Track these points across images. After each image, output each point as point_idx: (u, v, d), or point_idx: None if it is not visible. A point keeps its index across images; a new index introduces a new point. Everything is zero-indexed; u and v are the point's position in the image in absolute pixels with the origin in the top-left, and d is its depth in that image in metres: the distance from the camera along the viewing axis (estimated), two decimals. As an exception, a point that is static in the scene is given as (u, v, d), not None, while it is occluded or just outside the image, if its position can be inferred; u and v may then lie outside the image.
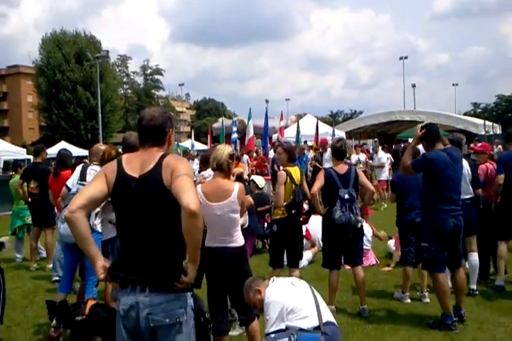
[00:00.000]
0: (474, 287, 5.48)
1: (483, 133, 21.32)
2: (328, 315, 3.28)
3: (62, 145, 23.90)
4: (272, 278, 3.58)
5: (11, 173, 12.17)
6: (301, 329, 3.12)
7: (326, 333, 3.12)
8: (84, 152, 21.46)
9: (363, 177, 5.18)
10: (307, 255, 6.86)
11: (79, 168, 4.89)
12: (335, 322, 3.32)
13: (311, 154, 15.20)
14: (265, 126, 16.51)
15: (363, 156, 14.54)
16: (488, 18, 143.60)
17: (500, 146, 15.18)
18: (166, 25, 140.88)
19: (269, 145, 16.17)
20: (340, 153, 5.21)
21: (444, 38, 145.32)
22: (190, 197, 2.16)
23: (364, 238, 5.46)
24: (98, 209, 4.33)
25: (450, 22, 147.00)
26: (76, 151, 22.13)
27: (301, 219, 5.11)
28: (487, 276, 5.98)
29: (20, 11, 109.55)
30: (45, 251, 7.66)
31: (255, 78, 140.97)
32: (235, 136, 17.39)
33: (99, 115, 31.12)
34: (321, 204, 5.13)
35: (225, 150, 3.86)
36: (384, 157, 13.78)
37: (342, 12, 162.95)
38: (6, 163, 21.59)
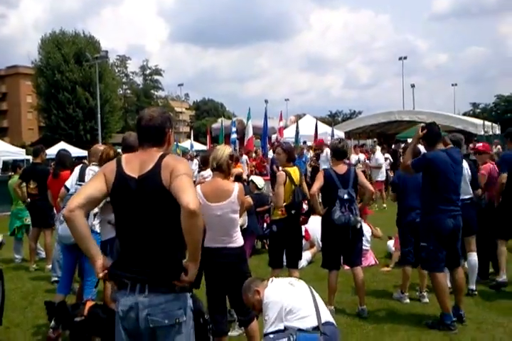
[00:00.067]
0: (473, 287, 5.48)
1: (482, 133, 21.34)
2: (327, 315, 3.27)
3: (62, 145, 23.89)
4: (270, 279, 3.58)
5: (10, 174, 12.18)
6: (299, 330, 3.11)
7: (325, 333, 3.12)
8: (84, 152, 21.46)
9: (362, 178, 5.19)
10: (306, 255, 6.86)
11: (77, 169, 4.89)
12: (334, 322, 3.32)
13: (310, 154, 15.23)
14: (264, 127, 16.52)
15: (362, 156, 14.56)
16: (487, 18, 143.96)
17: (499, 146, 15.19)
18: (166, 25, 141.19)
19: (268, 145, 16.18)
20: (340, 153, 5.21)
21: (443, 38, 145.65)
22: (189, 196, 2.16)
23: (363, 238, 5.46)
24: (96, 210, 4.33)
25: (449, 22, 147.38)
26: (75, 152, 22.13)
27: (301, 219, 5.11)
28: (486, 276, 5.98)
29: (19, 12, 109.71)
30: (44, 251, 7.65)
31: (254, 78, 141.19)
32: (234, 136, 17.40)
33: (99, 115, 31.13)
34: (320, 205, 5.14)
35: (225, 150, 3.87)
36: (381, 158, 13.76)
37: (342, 12, 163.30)
38: (5, 163, 21.62)
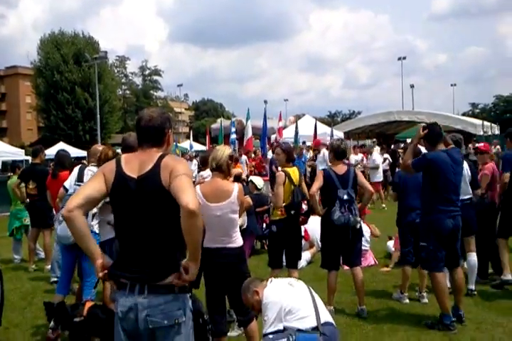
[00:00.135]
0: (473, 287, 5.49)
1: (481, 133, 21.37)
2: (326, 316, 3.27)
3: (61, 146, 23.90)
4: (269, 279, 3.57)
5: (9, 174, 12.18)
6: (299, 330, 3.11)
7: (325, 334, 3.12)
8: (83, 153, 21.47)
9: (361, 178, 5.19)
10: (306, 255, 6.86)
11: (76, 169, 4.89)
12: (333, 322, 3.32)
13: (309, 155, 15.22)
14: (264, 127, 16.50)
15: (361, 157, 14.55)
16: (486, 18, 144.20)
17: (498, 146, 15.21)
18: (165, 25, 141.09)
19: (267, 145, 16.17)
20: (340, 153, 5.20)
21: (442, 39, 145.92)
22: (189, 196, 2.16)
23: (362, 238, 5.46)
24: (95, 210, 4.33)
25: (448, 22, 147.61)
26: (74, 152, 22.15)
27: (300, 219, 5.11)
28: (486, 276, 5.98)
29: (18, 12, 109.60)
30: (43, 252, 7.65)
31: (254, 79, 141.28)
32: (233, 136, 17.38)
33: (98, 116, 31.12)
34: (319, 205, 5.14)
35: (225, 151, 3.87)
36: (377, 158, 13.73)
37: (341, 12, 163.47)
38: (4, 163, 21.62)
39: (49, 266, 6.69)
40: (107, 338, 3.30)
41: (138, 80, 66.62)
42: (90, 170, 4.68)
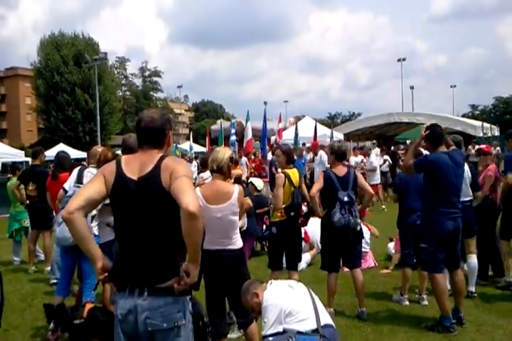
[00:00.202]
0: (473, 289, 5.48)
1: (481, 135, 21.42)
2: (326, 318, 3.27)
3: (61, 147, 23.86)
4: (269, 281, 3.57)
5: (8, 176, 12.18)
6: (299, 332, 3.11)
7: (325, 336, 3.12)
8: (83, 154, 21.48)
9: (361, 180, 5.19)
10: (306, 257, 6.85)
11: (76, 171, 4.88)
12: (333, 324, 3.31)
13: (309, 156, 15.21)
14: (264, 128, 16.50)
15: (360, 159, 14.54)
16: (486, 19, 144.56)
17: (498, 148, 15.22)
18: (165, 26, 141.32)
19: (267, 147, 16.17)
20: (340, 154, 5.20)
21: (442, 40, 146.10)
22: (189, 198, 2.15)
23: (362, 240, 5.46)
24: (94, 212, 4.32)
25: (448, 23, 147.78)
26: (74, 153, 22.18)
27: (300, 221, 5.10)
28: (486, 278, 5.97)
29: (18, 13, 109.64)
30: (43, 253, 7.64)
31: (254, 80, 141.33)
32: (233, 138, 17.38)
33: (98, 117, 31.17)
34: (320, 207, 5.13)
35: (225, 152, 3.86)
36: (375, 161, 13.70)
37: (341, 13, 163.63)
38: (4, 165, 21.62)
39: (49, 268, 6.68)
40: (106, 340, 3.30)
41: (138, 81, 66.81)
42: (90, 172, 4.67)
